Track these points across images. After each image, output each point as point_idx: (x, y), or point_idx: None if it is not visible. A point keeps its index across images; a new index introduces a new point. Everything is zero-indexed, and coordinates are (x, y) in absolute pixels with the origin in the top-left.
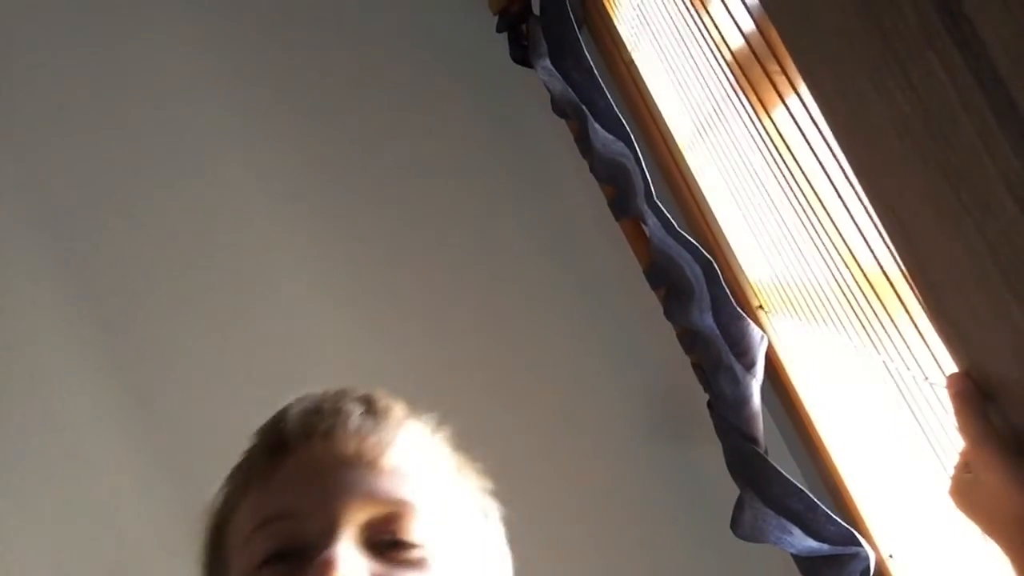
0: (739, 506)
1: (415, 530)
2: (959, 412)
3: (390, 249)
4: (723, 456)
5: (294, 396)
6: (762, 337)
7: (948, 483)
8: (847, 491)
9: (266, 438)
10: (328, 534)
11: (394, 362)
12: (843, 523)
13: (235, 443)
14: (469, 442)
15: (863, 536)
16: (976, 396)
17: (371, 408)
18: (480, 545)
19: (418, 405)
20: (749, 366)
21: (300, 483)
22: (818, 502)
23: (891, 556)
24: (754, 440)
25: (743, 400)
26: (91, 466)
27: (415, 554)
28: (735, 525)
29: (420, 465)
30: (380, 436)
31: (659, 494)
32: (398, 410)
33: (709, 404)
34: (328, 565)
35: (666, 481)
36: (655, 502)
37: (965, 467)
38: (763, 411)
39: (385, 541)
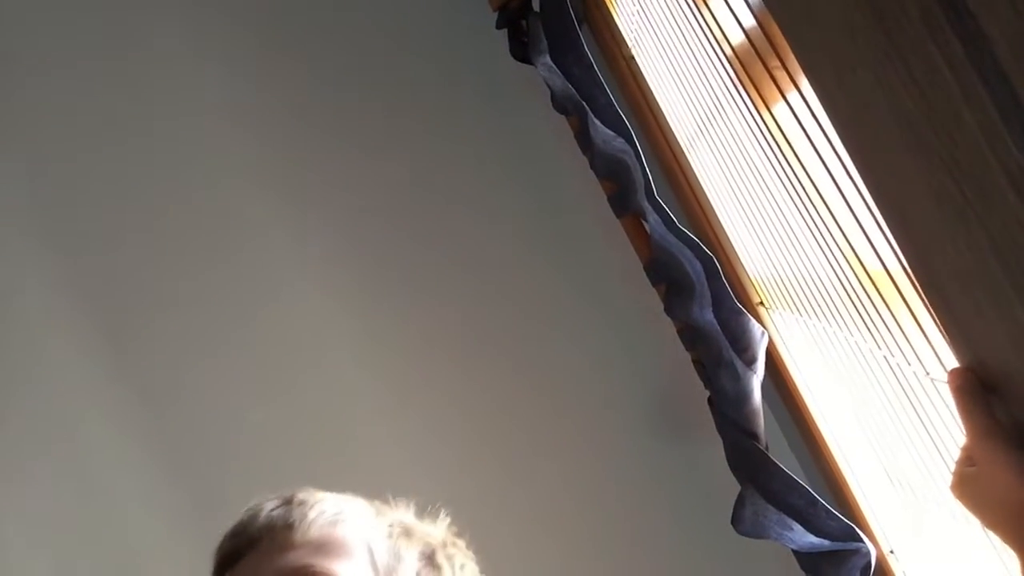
0: (740, 502)
1: None
2: (961, 406)
3: (390, 248)
4: (724, 452)
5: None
6: (763, 333)
7: (950, 478)
8: (848, 487)
9: (215, 568)
10: None
11: (396, 361)
12: (844, 519)
13: (238, 446)
14: (468, 438)
15: (864, 532)
16: (978, 390)
17: (286, 502)
18: None
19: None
20: (750, 362)
21: None
22: (819, 498)
23: (892, 552)
24: (755, 436)
25: (744, 396)
26: (95, 469)
27: None
28: (736, 521)
29: (335, 537)
30: (288, 521)
31: (660, 490)
32: (312, 496)
33: (710, 400)
34: None
35: (667, 477)
36: (656, 498)
37: (968, 460)
38: (764, 407)
39: None
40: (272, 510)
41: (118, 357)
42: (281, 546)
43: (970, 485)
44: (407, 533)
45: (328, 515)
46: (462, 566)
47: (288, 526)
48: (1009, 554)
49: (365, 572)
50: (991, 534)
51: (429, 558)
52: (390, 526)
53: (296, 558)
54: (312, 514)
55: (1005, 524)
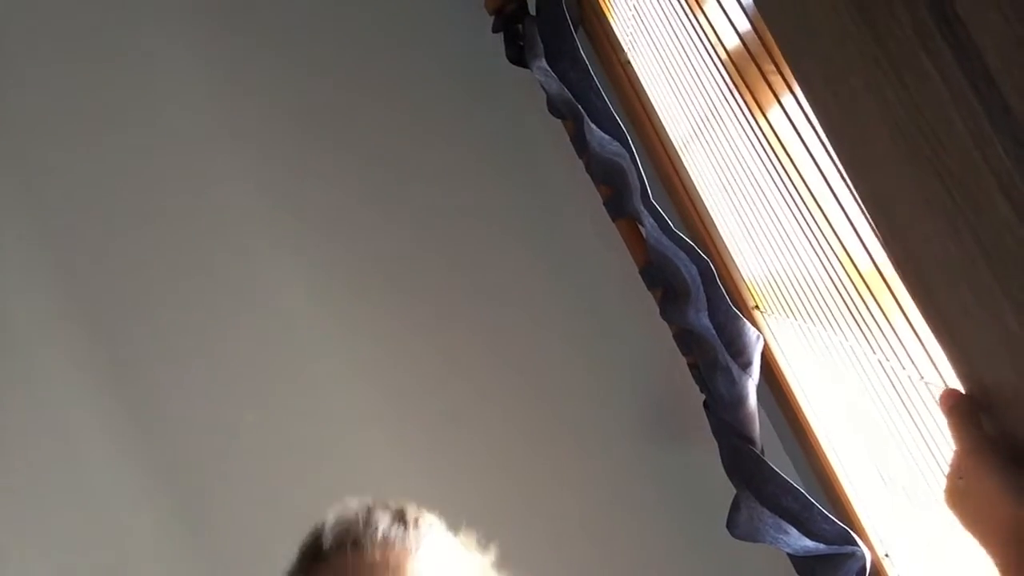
0: (735, 506)
1: None
2: (952, 422)
3: (385, 251)
4: (719, 456)
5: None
6: (758, 337)
7: (943, 488)
8: (843, 491)
9: (305, 549)
10: None
11: (390, 363)
12: (839, 522)
13: (237, 444)
14: (463, 443)
15: (859, 536)
16: (970, 408)
17: (400, 518)
18: None
19: (461, 522)
20: (745, 366)
21: None
22: (814, 501)
23: (887, 556)
24: (750, 440)
25: (739, 400)
26: (91, 470)
27: None
28: (731, 525)
29: (444, 572)
30: (406, 544)
31: (655, 494)
32: (428, 520)
33: (705, 404)
34: None
35: (662, 481)
36: (651, 502)
37: (958, 474)
38: (759, 411)
39: None
40: (389, 525)
41: (110, 358)
42: (394, 570)
43: (960, 498)
44: None
45: (440, 550)
46: None
47: (405, 550)
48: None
49: None
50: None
51: None
52: (483, 572)
53: None
54: (429, 543)
55: (991, 540)
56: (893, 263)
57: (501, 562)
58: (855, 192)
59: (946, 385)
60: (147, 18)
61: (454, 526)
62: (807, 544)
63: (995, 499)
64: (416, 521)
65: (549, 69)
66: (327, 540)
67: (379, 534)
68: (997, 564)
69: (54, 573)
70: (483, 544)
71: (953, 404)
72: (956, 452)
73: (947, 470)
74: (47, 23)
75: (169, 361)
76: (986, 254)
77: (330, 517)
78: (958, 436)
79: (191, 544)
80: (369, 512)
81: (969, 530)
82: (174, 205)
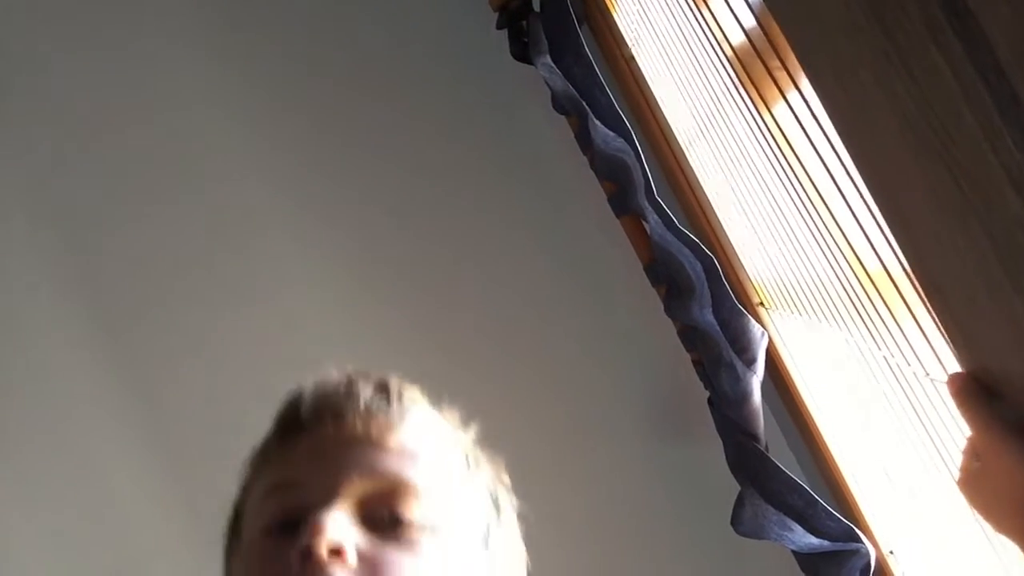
0: (740, 503)
1: (414, 509)
2: (962, 404)
3: (388, 249)
4: (724, 453)
5: (311, 377)
6: (762, 334)
7: (957, 475)
8: (847, 488)
9: (282, 418)
10: (325, 503)
11: (395, 358)
12: (843, 519)
13: (238, 442)
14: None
15: (863, 533)
16: (979, 388)
17: (383, 389)
18: (484, 536)
19: (443, 400)
20: (749, 363)
21: (309, 458)
22: (818, 499)
23: (891, 553)
24: (754, 437)
25: (744, 397)
26: (95, 466)
27: (410, 533)
28: (736, 522)
29: (427, 448)
30: (389, 416)
31: (659, 491)
32: (411, 393)
33: (710, 401)
34: (317, 528)
35: (667, 478)
36: (655, 499)
37: (973, 455)
38: (763, 408)
39: (383, 517)
40: (372, 396)
41: (116, 353)
42: (375, 442)
43: (976, 481)
44: (478, 461)
45: (425, 424)
46: (513, 510)
47: (388, 422)
48: (1013, 549)
49: (449, 489)
50: (995, 532)
51: (495, 499)
52: (466, 450)
53: (393, 463)
54: (413, 417)
55: (1012, 519)
56: (900, 258)
57: (482, 442)
58: (864, 186)
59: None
60: (150, 11)
61: (437, 401)
62: (811, 541)
63: (1016, 475)
64: (400, 393)
65: (553, 65)
66: (306, 409)
67: (362, 405)
68: (1020, 544)
69: (58, 572)
70: (465, 422)
71: (961, 386)
72: (971, 432)
73: (961, 454)
74: (49, 16)
75: (173, 358)
76: (996, 247)
77: (309, 386)
78: (970, 416)
79: (194, 541)
80: (350, 382)
81: (986, 515)
82: (178, 201)
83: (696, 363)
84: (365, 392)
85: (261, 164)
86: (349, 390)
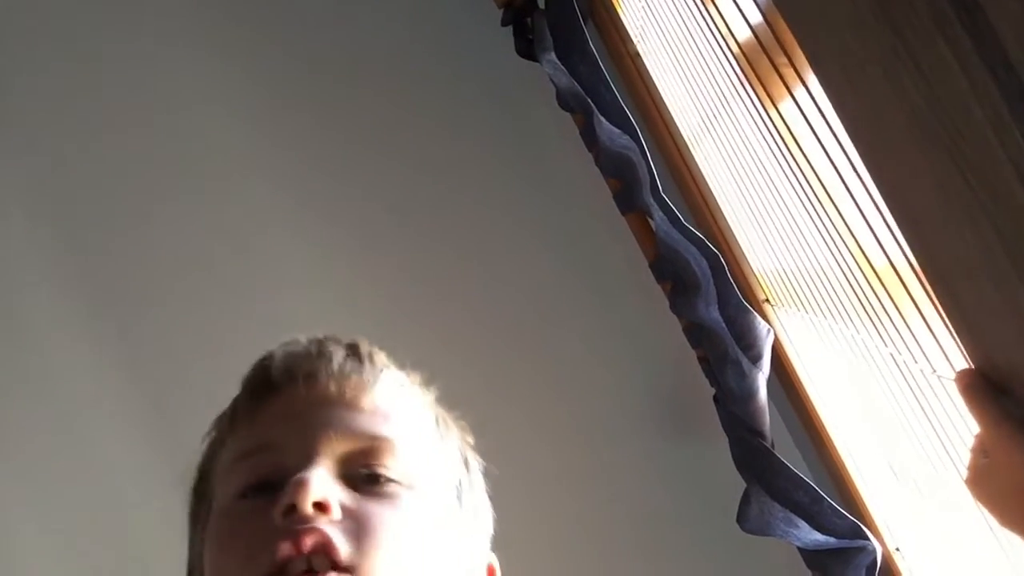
0: (745, 500)
1: (391, 466)
2: (971, 401)
3: (392, 245)
4: (729, 450)
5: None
6: (768, 331)
7: (965, 472)
8: (853, 484)
9: (252, 379)
10: (305, 463)
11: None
12: (850, 516)
13: None
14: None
15: (870, 530)
16: (986, 384)
17: (355, 352)
18: (457, 491)
19: (406, 362)
20: (755, 360)
21: (282, 420)
22: (824, 495)
23: (898, 550)
24: (760, 434)
25: (749, 394)
26: (96, 465)
27: (389, 488)
28: (742, 519)
29: (400, 408)
30: (362, 378)
31: (665, 488)
32: (381, 356)
33: (715, 398)
34: (301, 484)
35: (672, 475)
36: (660, 495)
37: (981, 451)
38: (769, 405)
39: (361, 475)
40: (344, 358)
41: (118, 353)
42: (349, 403)
43: (985, 477)
44: (447, 421)
45: (395, 385)
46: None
47: (361, 383)
48: (1021, 545)
49: (423, 447)
50: (1002, 527)
51: (464, 457)
52: (435, 411)
53: (368, 423)
54: (385, 378)
55: (1019, 512)
56: (907, 253)
57: (443, 402)
58: (871, 181)
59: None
60: (149, 7)
61: (401, 364)
62: (818, 538)
63: (1022, 467)
64: (371, 355)
65: (558, 62)
66: (277, 371)
67: (335, 366)
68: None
69: (60, 573)
70: (427, 384)
71: (969, 382)
72: (979, 428)
73: (970, 451)
74: (48, 13)
75: (174, 357)
76: (1003, 242)
77: (278, 349)
78: (978, 412)
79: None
80: (321, 344)
81: (994, 511)
82: (179, 200)
83: (702, 360)
84: (337, 354)
85: (262, 162)
86: (321, 352)
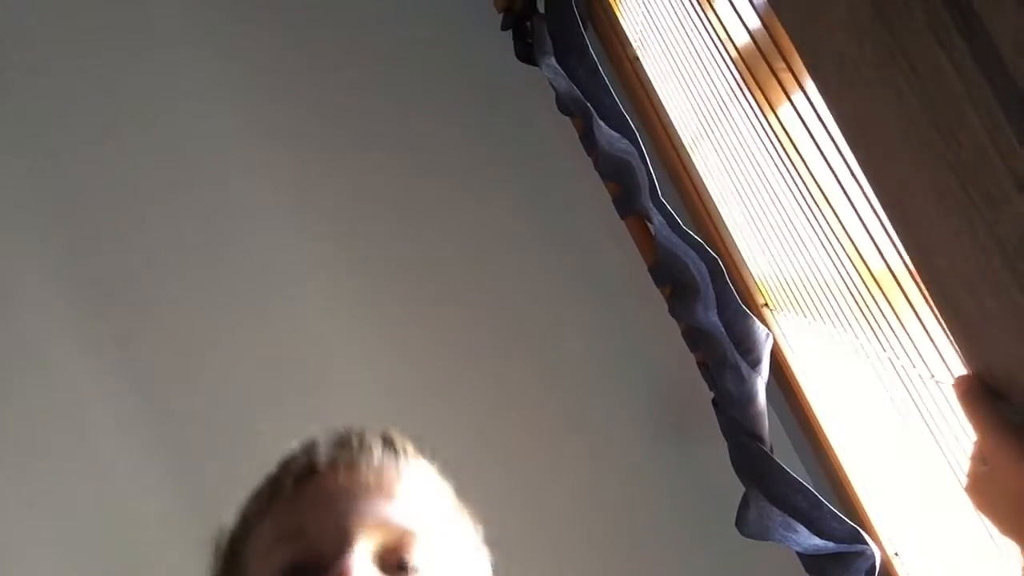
0: (744, 504)
1: (417, 555)
2: (969, 408)
3: (393, 249)
4: (728, 454)
5: (319, 427)
6: (767, 335)
7: (964, 480)
8: (852, 489)
9: (295, 463)
10: (344, 550)
11: (400, 359)
12: (848, 521)
13: (245, 446)
14: (471, 437)
15: (868, 534)
16: (984, 391)
17: (390, 445)
18: (471, 572)
19: (424, 444)
20: (754, 364)
21: (323, 505)
22: (823, 500)
23: (896, 554)
24: (759, 438)
25: (748, 398)
26: (98, 467)
27: None
28: (740, 523)
29: (427, 499)
30: (397, 471)
31: (663, 492)
32: (411, 448)
33: (714, 402)
34: (346, 570)
35: (671, 479)
36: (659, 500)
37: (980, 459)
38: (768, 409)
39: (392, 564)
40: (382, 450)
41: (120, 355)
42: (386, 493)
43: (984, 485)
44: (462, 508)
45: (426, 475)
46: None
47: (396, 475)
48: (1016, 555)
49: (446, 537)
50: (1000, 535)
51: (475, 541)
52: (452, 499)
53: (400, 514)
54: (414, 470)
55: (1017, 520)
56: (905, 258)
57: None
58: (868, 186)
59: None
60: (162, 19)
61: (424, 452)
62: (816, 543)
63: (1020, 476)
64: (404, 447)
65: (558, 67)
66: (321, 458)
67: (375, 457)
68: (1020, 545)
69: (62, 574)
70: (447, 473)
71: (967, 388)
72: (977, 436)
73: (968, 459)
74: (51, 12)
75: (177, 358)
76: (1001, 248)
77: (321, 437)
78: (976, 419)
79: (198, 541)
80: (362, 435)
81: (993, 518)
82: (182, 201)
83: (701, 364)
84: (376, 445)
85: (265, 163)
86: (361, 442)
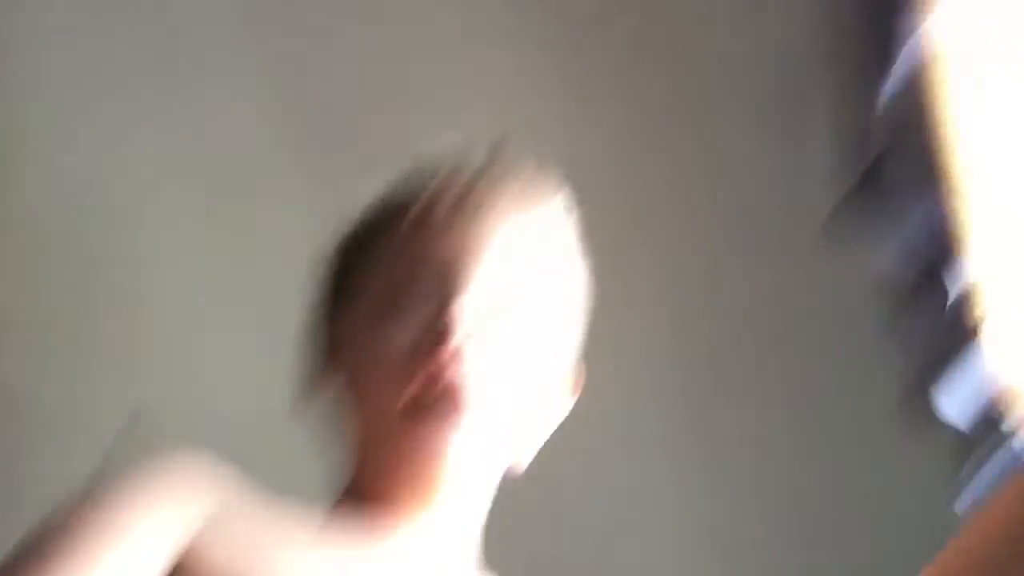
0: None
1: (520, 308)
2: None
3: None
4: None
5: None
6: None
7: None
8: None
9: (440, 189)
10: (460, 291)
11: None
12: None
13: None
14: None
15: None
16: None
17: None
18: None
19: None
20: None
21: (441, 248)
22: None
23: None
24: None
25: None
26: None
27: (517, 331)
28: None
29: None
30: (523, 202)
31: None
32: (543, 192)
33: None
34: (459, 308)
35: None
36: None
37: None
38: None
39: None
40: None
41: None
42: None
43: None
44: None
45: (558, 212)
46: None
47: (527, 195)
48: None
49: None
50: None
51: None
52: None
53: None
54: (544, 212)
55: None
56: None
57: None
58: None
59: None
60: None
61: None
62: None
63: None
64: (536, 192)
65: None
66: (443, 206)
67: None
68: None
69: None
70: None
71: None
72: None
73: None
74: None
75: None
76: None
77: (443, 179)
78: None
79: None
80: (505, 166)
81: None
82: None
83: None
84: (502, 194)
85: None
86: (491, 183)
